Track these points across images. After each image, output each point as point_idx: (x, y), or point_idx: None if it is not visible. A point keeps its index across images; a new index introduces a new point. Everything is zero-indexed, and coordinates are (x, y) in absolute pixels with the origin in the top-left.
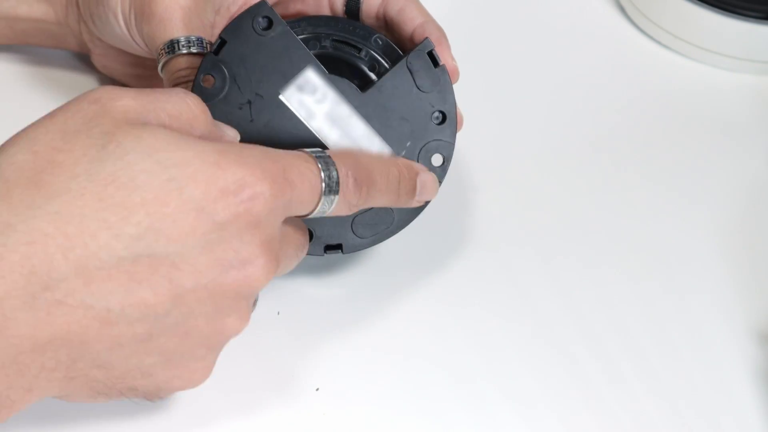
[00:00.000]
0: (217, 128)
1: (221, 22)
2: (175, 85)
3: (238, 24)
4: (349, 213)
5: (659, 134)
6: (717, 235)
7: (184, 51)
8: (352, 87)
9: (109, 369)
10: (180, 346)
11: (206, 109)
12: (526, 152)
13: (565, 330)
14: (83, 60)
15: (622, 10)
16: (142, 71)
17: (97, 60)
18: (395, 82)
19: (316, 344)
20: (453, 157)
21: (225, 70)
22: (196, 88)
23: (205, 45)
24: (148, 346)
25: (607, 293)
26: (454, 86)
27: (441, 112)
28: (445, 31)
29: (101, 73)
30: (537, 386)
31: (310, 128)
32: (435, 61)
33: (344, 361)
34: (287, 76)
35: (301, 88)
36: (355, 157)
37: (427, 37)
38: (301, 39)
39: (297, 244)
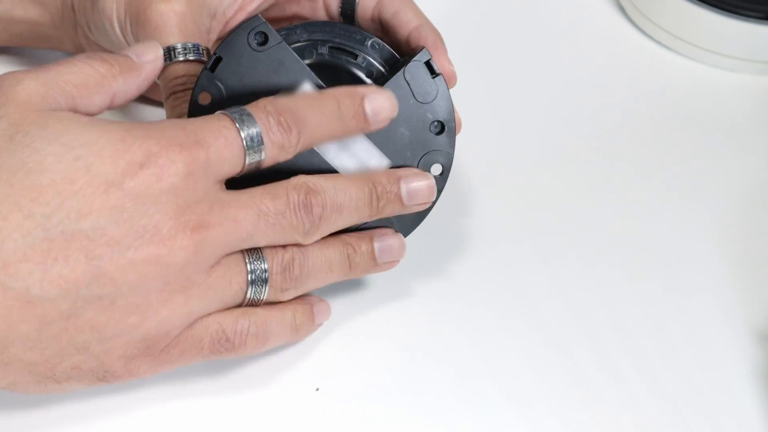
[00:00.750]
0: (133, 68)
1: (217, 27)
2: (173, 93)
3: (233, 39)
4: (290, 156)
5: (659, 134)
6: (717, 235)
7: (181, 58)
8: None
9: (42, 349)
10: (110, 318)
11: (111, 61)
12: (526, 152)
13: (565, 329)
14: None
15: (622, 10)
16: None
17: None
18: (393, 91)
19: (316, 344)
20: (454, 157)
21: (221, 87)
22: (193, 105)
23: (201, 51)
24: (76, 322)
25: (607, 293)
26: (453, 89)
27: (439, 122)
28: (445, 31)
29: None
30: (537, 386)
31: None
32: (432, 71)
33: (344, 361)
34: (284, 90)
35: None
36: (275, 101)
37: (424, 48)
38: (297, 46)
39: (258, 209)
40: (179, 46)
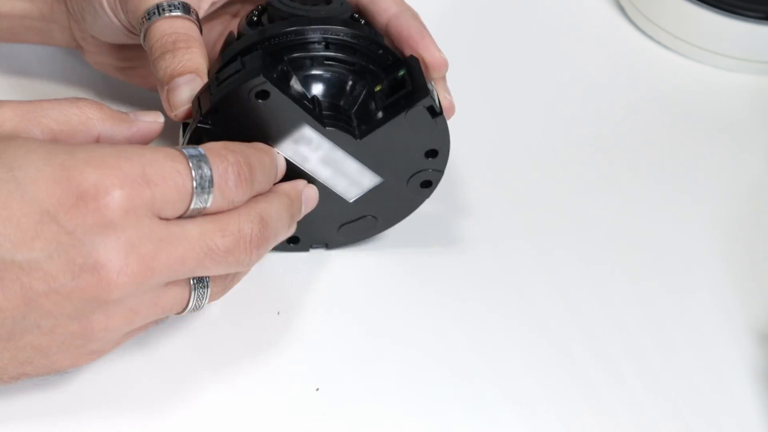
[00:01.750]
0: (126, 121)
1: None
2: (163, 53)
3: (233, 96)
4: (233, 206)
5: (659, 134)
6: (717, 234)
7: (167, 14)
8: (347, 136)
9: None
10: (51, 341)
11: (102, 107)
12: (526, 152)
13: (565, 329)
14: (74, 54)
15: (622, 10)
16: (138, 63)
17: (90, 57)
18: (392, 130)
19: (316, 344)
20: (454, 157)
21: (216, 132)
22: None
23: (189, 9)
24: (17, 343)
25: (607, 293)
26: (453, 90)
27: (434, 150)
28: (445, 31)
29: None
30: (537, 386)
31: (304, 169)
32: (434, 113)
33: (344, 361)
34: (282, 133)
35: (296, 142)
36: (238, 151)
37: (429, 92)
38: (293, 57)
39: (206, 247)
40: (164, 4)
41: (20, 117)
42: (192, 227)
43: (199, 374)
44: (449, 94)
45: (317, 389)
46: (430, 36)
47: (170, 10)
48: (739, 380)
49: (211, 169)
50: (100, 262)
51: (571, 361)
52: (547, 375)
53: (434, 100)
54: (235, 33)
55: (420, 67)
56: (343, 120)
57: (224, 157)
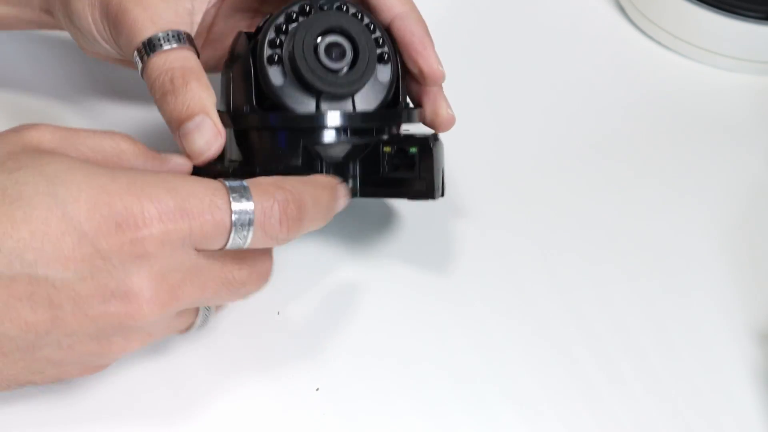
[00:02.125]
0: (158, 159)
1: (200, 6)
2: (163, 93)
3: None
4: (278, 245)
5: (659, 134)
6: (717, 234)
7: (164, 48)
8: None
9: None
10: (67, 356)
11: (137, 143)
12: (526, 152)
13: (565, 329)
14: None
15: (622, 10)
16: None
17: (91, 54)
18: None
19: (316, 344)
20: (454, 156)
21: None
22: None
23: (183, 38)
24: (33, 355)
25: (607, 293)
26: (453, 91)
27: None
28: (445, 31)
29: None
30: (537, 386)
31: None
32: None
33: (344, 361)
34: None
35: None
36: (288, 188)
37: (435, 191)
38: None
39: (224, 278)
40: (159, 35)
41: (59, 140)
42: (215, 260)
43: (200, 374)
44: (449, 107)
45: (317, 389)
46: (431, 45)
47: (161, 45)
48: (739, 380)
49: (253, 206)
50: (132, 290)
51: (571, 361)
52: (547, 375)
53: (439, 192)
54: (245, 36)
55: (432, 156)
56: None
57: (270, 194)
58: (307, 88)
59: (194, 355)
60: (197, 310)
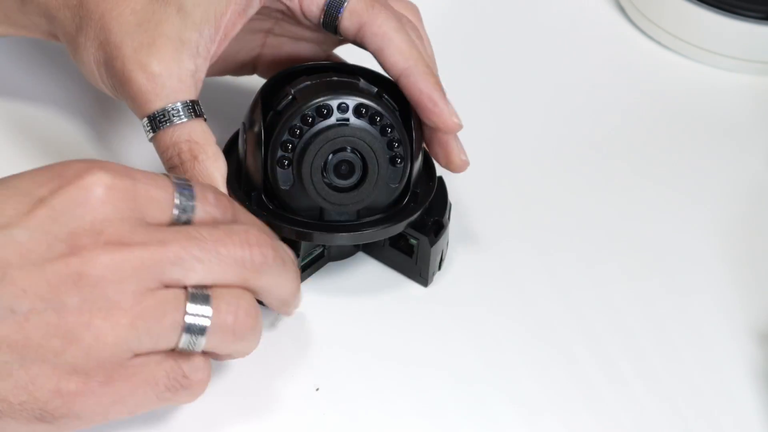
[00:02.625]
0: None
1: (203, 65)
2: (171, 168)
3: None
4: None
5: (659, 134)
6: (717, 234)
7: (168, 125)
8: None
9: None
10: (26, 338)
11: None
12: (526, 152)
13: (565, 329)
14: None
15: (622, 10)
16: None
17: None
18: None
19: (316, 344)
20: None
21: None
22: None
23: (187, 110)
24: None
25: (607, 293)
26: (453, 93)
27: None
28: (444, 31)
29: None
30: (537, 386)
31: None
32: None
33: (344, 361)
34: None
35: None
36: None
37: (427, 280)
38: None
39: (190, 232)
40: (166, 109)
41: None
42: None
43: None
44: (463, 152)
45: (317, 389)
46: (442, 98)
47: (167, 120)
48: (739, 380)
49: (192, 187)
50: (77, 236)
51: (572, 361)
52: (547, 375)
53: (432, 281)
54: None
55: (429, 253)
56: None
57: (203, 186)
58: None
59: None
60: (182, 306)
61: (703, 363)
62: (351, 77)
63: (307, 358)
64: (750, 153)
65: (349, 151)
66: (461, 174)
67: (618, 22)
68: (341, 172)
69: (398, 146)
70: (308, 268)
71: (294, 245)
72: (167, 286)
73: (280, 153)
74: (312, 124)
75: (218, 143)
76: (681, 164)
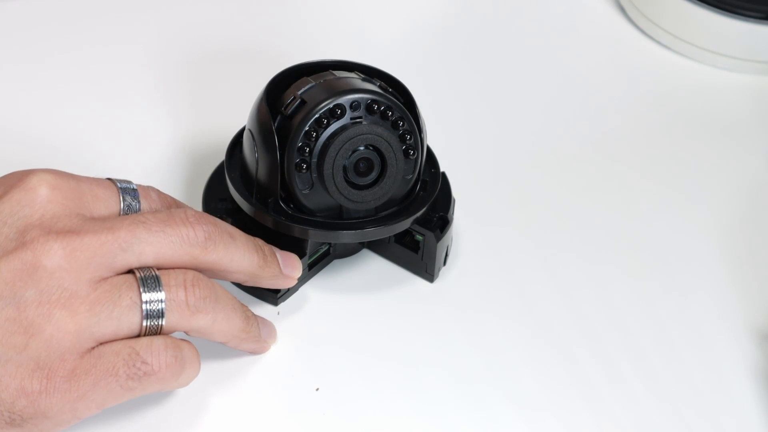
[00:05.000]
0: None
1: None
2: None
3: None
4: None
5: (659, 134)
6: (717, 234)
7: None
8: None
9: None
10: None
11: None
12: (526, 152)
13: (565, 329)
14: None
15: (622, 10)
16: None
17: None
18: None
19: (316, 344)
20: (454, 156)
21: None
22: None
23: None
24: None
25: (607, 293)
26: (453, 91)
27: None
28: (444, 31)
29: None
30: (537, 386)
31: None
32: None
33: (344, 361)
34: None
35: None
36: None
37: (434, 276)
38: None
39: (137, 218)
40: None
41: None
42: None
43: (200, 374)
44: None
45: (317, 389)
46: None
47: None
48: (739, 380)
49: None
50: (27, 230)
51: (572, 361)
52: (547, 375)
53: (437, 276)
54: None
55: (435, 249)
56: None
57: (148, 188)
58: (332, 198)
59: None
60: (136, 289)
61: (703, 363)
62: (350, 73)
63: (307, 358)
64: (750, 153)
65: (364, 148)
66: (464, 171)
67: (618, 22)
68: (360, 169)
69: (410, 138)
70: (314, 266)
71: (300, 244)
72: (118, 274)
73: (297, 158)
74: (327, 126)
75: (219, 146)
76: (681, 164)
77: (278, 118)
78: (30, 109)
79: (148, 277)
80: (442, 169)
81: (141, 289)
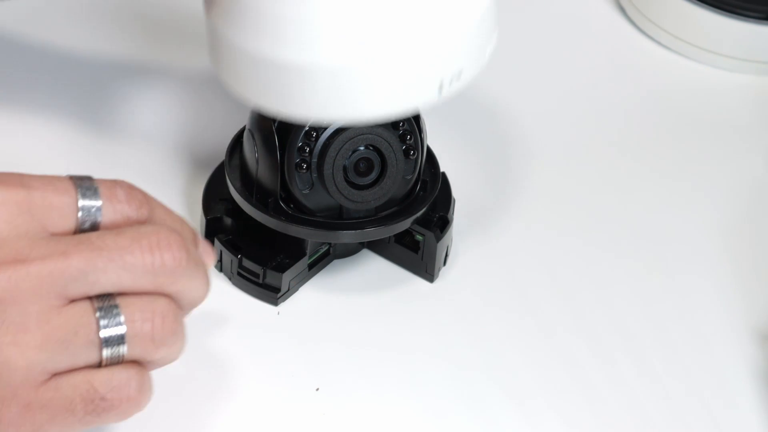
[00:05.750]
0: None
1: None
2: None
3: None
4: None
5: (659, 134)
6: (717, 234)
7: None
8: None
9: None
10: None
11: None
12: (526, 152)
13: (565, 330)
14: None
15: (622, 10)
16: None
17: None
18: None
19: (316, 344)
20: (454, 156)
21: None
22: None
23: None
24: None
25: (607, 292)
26: None
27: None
28: None
29: None
30: (537, 386)
31: None
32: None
33: (344, 361)
34: None
35: None
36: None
37: (434, 277)
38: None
39: (92, 241)
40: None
41: None
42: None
43: (200, 374)
44: None
45: (317, 389)
46: None
47: None
48: (739, 380)
49: (97, 187)
50: None
51: (572, 361)
52: (548, 375)
53: (437, 276)
54: None
55: (435, 249)
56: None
57: (112, 183)
58: (332, 198)
59: (194, 355)
60: (93, 319)
61: (703, 363)
62: None
63: (307, 358)
64: (750, 153)
65: (364, 148)
66: (464, 171)
67: (618, 22)
68: (360, 169)
69: (410, 138)
70: (314, 266)
71: (300, 244)
72: (73, 300)
73: (297, 158)
74: (327, 126)
75: (219, 146)
76: (681, 164)
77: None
78: (32, 105)
79: (107, 309)
80: (442, 169)
81: (99, 323)
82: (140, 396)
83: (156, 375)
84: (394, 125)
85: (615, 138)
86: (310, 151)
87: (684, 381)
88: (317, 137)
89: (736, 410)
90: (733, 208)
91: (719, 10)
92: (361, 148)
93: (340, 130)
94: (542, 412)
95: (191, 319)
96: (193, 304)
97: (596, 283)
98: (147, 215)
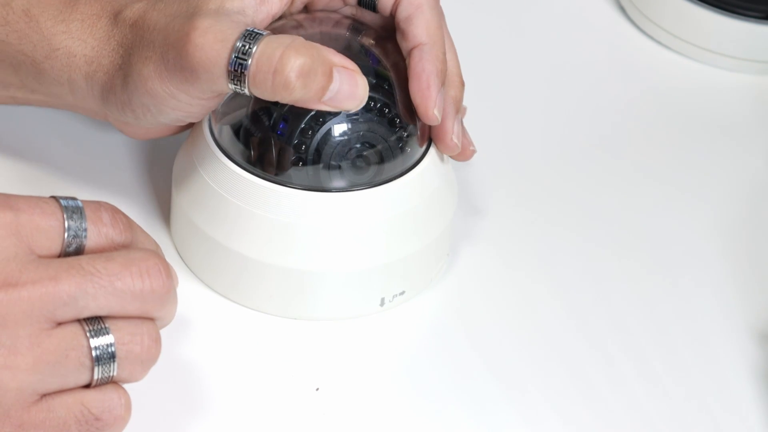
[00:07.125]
0: None
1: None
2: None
3: None
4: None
5: (659, 134)
6: (717, 234)
7: (259, 42)
8: None
9: None
10: None
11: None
12: (525, 152)
13: (565, 329)
14: None
15: (622, 10)
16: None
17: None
18: None
19: (316, 344)
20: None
21: None
22: None
23: (257, 34)
24: None
25: (607, 292)
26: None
27: None
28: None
29: None
30: (537, 386)
31: None
32: None
33: (344, 361)
34: None
35: None
36: (112, 208)
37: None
38: None
39: (83, 266)
40: (241, 43)
41: None
42: (71, 258)
43: (199, 374)
44: (459, 137)
45: (317, 389)
46: (436, 88)
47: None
48: (739, 380)
49: (83, 208)
50: None
51: (572, 361)
52: (548, 374)
53: None
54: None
55: None
56: None
57: (97, 204)
58: None
59: (194, 355)
60: (84, 342)
61: (703, 362)
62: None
63: (307, 358)
64: (750, 153)
65: (361, 145)
66: (461, 172)
67: (618, 22)
68: (357, 166)
69: (407, 136)
70: None
71: None
72: (62, 323)
73: (293, 155)
74: (323, 123)
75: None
76: (681, 164)
77: (275, 113)
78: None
79: (97, 332)
80: None
81: (90, 346)
82: (127, 414)
83: (154, 374)
84: (390, 122)
85: (615, 137)
86: (306, 147)
87: (684, 381)
88: (313, 134)
89: (736, 410)
90: (732, 208)
91: (719, 10)
92: (358, 145)
93: (337, 127)
94: (542, 412)
95: (191, 320)
96: (165, 325)
97: (596, 282)
98: (130, 239)
